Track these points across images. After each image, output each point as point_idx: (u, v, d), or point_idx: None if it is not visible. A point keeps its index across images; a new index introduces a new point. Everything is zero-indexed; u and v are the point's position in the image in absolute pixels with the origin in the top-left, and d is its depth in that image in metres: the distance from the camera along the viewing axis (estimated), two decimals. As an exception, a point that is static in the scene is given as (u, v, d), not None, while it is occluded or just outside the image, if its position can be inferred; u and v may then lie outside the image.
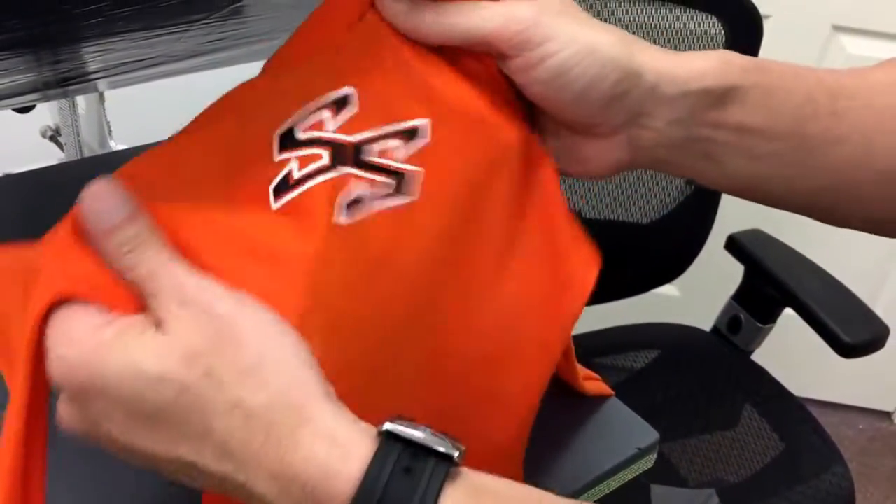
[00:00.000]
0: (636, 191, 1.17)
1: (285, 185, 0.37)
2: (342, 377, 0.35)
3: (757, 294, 1.21)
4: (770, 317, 1.20)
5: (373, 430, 0.32)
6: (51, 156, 0.98)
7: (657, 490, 1.01)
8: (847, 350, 1.05)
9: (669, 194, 1.20)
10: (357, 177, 0.37)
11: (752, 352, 1.24)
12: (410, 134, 0.39)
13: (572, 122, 0.42)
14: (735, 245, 1.22)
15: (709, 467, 1.09)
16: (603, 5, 1.06)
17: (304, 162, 0.37)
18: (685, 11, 1.07)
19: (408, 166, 0.38)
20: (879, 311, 1.10)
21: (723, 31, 1.09)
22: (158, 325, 0.32)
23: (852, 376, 1.74)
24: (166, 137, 0.81)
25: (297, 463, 0.31)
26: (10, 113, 0.86)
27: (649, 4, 1.06)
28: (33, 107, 0.85)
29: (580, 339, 0.56)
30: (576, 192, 1.15)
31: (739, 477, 1.08)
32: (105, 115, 0.92)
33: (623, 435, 0.53)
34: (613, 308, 1.25)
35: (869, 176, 0.44)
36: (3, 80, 0.62)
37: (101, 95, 0.91)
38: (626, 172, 0.68)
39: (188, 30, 0.60)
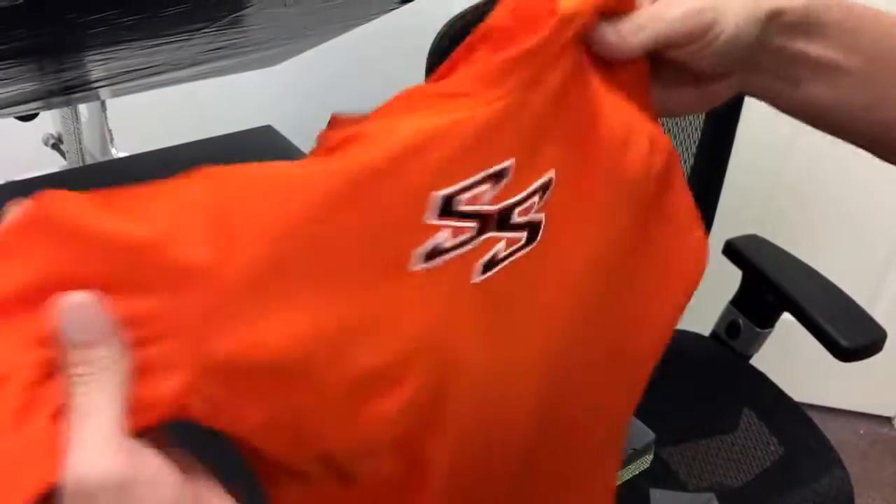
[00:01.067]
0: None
1: (435, 253, 0.39)
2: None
3: (755, 299, 1.21)
4: (768, 321, 1.21)
5: None
6: (53, 164, 0.99)
7: (657, 494, 1.01)
8: (844, 354, 1.05)
9: (667, 200, 1.20)
10: (497, 239, 0.40)
11: (751, 356, 1.25)
12: (545, 187, 0.42)
13: (721, 73, 0.47)
14: (733, 250, 1.23)
15: (708, 471, 1.10)
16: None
17: (455, 233, 0.39)
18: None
19: (536, 216, 0.42)
20: (878, 315, 1.11)
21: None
22: None
23: (853, 381, 1.75)
24: (166, 145, 0.82)
25: None
26: (12, 121, 0.87)
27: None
28: (36, 115, 0.86)
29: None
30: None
31: (739, 481, 1.09)
32: (107, 123, 0.93)
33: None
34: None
35: None
36: (7, 89, 0.63)
37: (103, 104, 0.92)
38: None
39: (190, 38, 0.61)
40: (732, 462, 1.11)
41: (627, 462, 0.53)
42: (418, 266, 0.38)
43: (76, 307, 0.31)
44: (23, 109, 0.78)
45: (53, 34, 0.51)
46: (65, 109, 0.89)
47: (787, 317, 1.15)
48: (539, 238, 0.42)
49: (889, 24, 0.47)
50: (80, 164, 0.94)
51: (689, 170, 1.20)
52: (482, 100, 0.39)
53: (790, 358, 1.47)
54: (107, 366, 0.31)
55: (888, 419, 1.89)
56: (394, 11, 0.87)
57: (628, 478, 0.54)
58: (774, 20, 0.45)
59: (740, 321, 1.23)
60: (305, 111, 1.30)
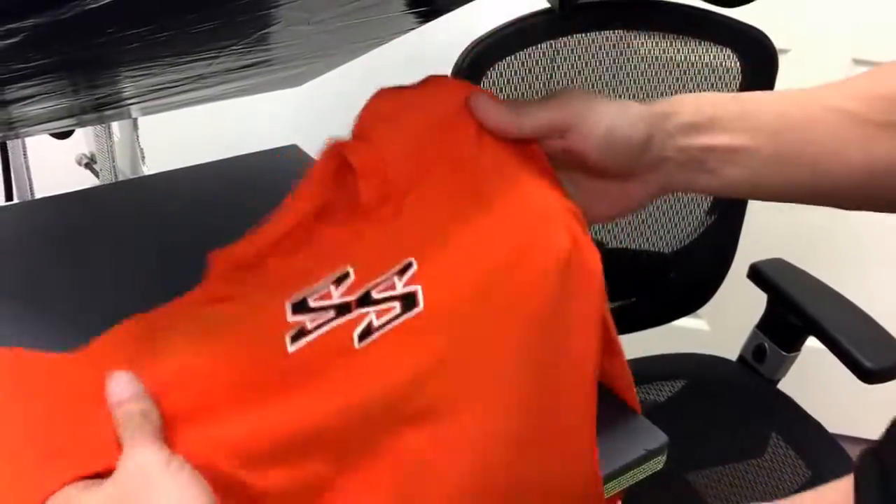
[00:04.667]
0: (657, 220, 1.19)
1: (301, 334, 0.49)
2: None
3: (780, 322, 1.21)
4: (793, 345, 1.20)
5: None
6: (86, 183, 1.02)
7: (681, 515, 1.01)
8: (868, 375, 1.04)
9: (690, 224, 1.21)
10: (365, 313, 0.49)
11: (778, 381, 1.24)
12: (404, 269, 0.50)
13: (620, 170, 0.54)
14: (758, 274, 1.22)
15: (735, 495, 1.09)
16: (620, 40, 1.08)
17: (314, 319, 0.49)
18: (700, 44, 1.09)
19: (407, 287, 0.50)
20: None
21: (738, 64, 1.11)
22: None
23: (888, 412, 1.72)
24: (195, 162, 0.84)
25: None
26: (47, 142, 0.90)
27: (664, 38, 1.09)
28: (71, 132, 0.89)
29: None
30: (599, 224, 1.17)
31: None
32: (138, 142, 0.96)
33: (631, 437, 0.55)
34: (639, 339, 1.25)
35: (843, 167, 0.51)
36: (44, 105, 0.65)
37: (135, 122, 0.95)
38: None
39: (218, 55, 0.63)
40: (759, 486, 1.10)
41: (640, 463, 0.53)
42: (292, 348, 0.48)
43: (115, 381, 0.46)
44: (57, 126, 0.80)
45: (91, 50, 0.54)
46: (98, 128, 0.93)
47: (820, 347, 1.14)
48: (423, 304, 0.49)
49: (784, 99, 0.53)
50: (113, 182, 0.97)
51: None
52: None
53: (824, 389, 1.46)
54: (136, 420, 0.44)
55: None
56: (417, 37, 0.90)
57: (641, 478, 0.54)
58: (667, 121, 0.52)
59: (766, 345, 1.23)
60: (330, 132, 1.32)
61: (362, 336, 0.49)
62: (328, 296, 0.50)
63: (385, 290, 0.50)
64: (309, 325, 0.49)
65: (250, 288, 0.53)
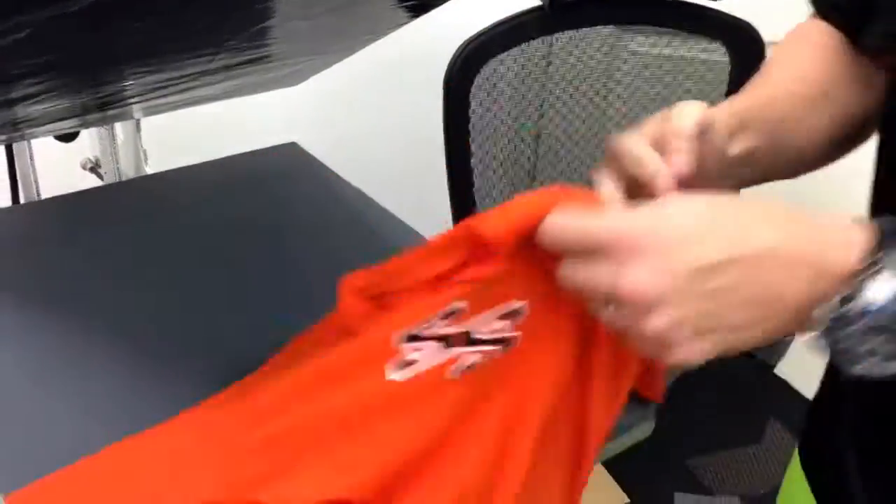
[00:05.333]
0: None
1: (403, 365, 0.52)
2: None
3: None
4: (789, 330, 1.22)
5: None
6: (90, 186, 1.04)
7: (680, 498, 1.02)
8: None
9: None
10: (469, 353, 0.52)
11: (774, 365, 1.25)
12: (514, 313, 0.52)
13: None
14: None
15: (732, 478, 1.10)
16: (612, 35, 1.10)
17: (419, 350, 0.52)
18: (690, 38, 1.11)
19: (511, 333, 0.52)
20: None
21: (728, 58, 1.13)
22: None
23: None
24: (195, 161, 0.86)
25: None
26: (52, 147, 0.91)
27: (655, 32, 1.11)
28: (76, 135, 0.91)
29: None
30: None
31: (765, 486, 1.09)
32: (141, 143, 0.98)
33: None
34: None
35: (808, 144, 0.56)
36: (48, 104, 0.67)
37: (138, 124, 0.97)
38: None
39: (217, 51, 0.66)
40: (757, 469, 1.12)
41: (627, 428, 0.55)
42: (390, 375, 0.51)
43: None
44: (61, 127, 0.82)
45: (95, 45, 0.56)
46: (102, 133, 0.95)
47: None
48: (513, 347, 0.53)
49: (762, 90, 0.56)
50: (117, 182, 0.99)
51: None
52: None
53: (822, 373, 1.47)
54: None
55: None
56: (411, 35, 0.92)
57: (630, 444, 0.56)
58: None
59: (762, 330, 1.24)
60: (328, 129, 1.35)
61: (459, 370, 0.53)
62: (435, 329, 0.53)
63: (494, 332, 0.53)
64: (414, 355, 0.52)
65: (370, 323, 0.56)
